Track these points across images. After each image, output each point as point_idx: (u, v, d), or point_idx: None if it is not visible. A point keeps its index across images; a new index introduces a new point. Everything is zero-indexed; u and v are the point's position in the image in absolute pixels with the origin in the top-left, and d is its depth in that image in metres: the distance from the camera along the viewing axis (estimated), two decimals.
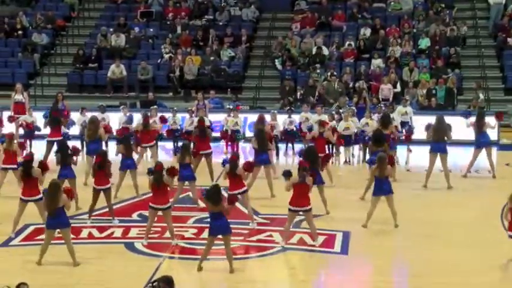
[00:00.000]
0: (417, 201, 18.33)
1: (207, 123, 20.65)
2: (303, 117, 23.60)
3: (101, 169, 15.92)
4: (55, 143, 20.11)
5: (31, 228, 15.53)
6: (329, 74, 28.08)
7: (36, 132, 23.05)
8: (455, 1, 33.14)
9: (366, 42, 30.41)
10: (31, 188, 15.06)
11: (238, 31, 31.64)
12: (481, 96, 27.11)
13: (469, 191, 19.37)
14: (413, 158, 23.05)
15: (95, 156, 16.89)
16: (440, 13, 31.66)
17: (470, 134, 20.94)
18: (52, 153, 19.25)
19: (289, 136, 23.62)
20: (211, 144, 20.18)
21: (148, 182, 14.81)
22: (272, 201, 17.82)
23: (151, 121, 21.19)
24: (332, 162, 21.33)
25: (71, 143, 18.53)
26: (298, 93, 28.02)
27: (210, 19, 32.51)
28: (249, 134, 24.11)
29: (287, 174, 14.73)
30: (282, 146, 23.77)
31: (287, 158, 23.54)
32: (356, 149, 23.20)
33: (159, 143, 22.73)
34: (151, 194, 14.91)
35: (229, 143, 23.61)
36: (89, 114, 21.93)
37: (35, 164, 15.35)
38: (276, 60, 30.35)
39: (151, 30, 32.14)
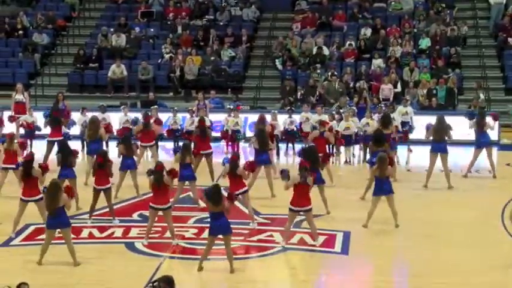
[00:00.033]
0: (418, 201, 18.34)
1: (208, 123, 20.66)
2: (304, 117, 23.61)
3: (101, 169, 15.92)
4: (56, 143, 20.13)
5: (31, 228, 15.54)
6: (330, 74, 28.08)
7: (37, 132, 23.05)
8: (456, 1, 33.13)
9: (366, 42, 30.41)
10: (31, 188, 15.07)
11: (238, 31, 31.64)
12: (482, 96, 27.11)
13: (470, 191, 19.38)
14: (413, 158, 23.04)
15: (95, 156, 16.89)
16: (441, 13, 31.67)
17: (470, 134, 20.94)
18: (53, 153, 19.26)
19: (290, 136, 23.61)
20: (212, 144, 20.21)
21: (148, 182, 14.81)
22: (272, 201, 17.83)
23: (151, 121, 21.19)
24: (332, 162, 21.34)
25: (71, 143, 18.56)
26: (299, 93, 28.02)
27: (210, 19, 32.51)
28: (249, 134, 24.10)
29: (284, 173, 14.76)
30: (282, 146, 23.77)
31: (287, 158, 23.53)
32: (356, 149, 23.20)
33: (160, 143, 22.76)
34: (151, 194, 14.92)
35: (230, 143, 23.61)
36: (89, 114, 21.91)
37: (35, 164, 15.35)
38: (277, 60, 30.36)
39: (152, 30, 32.14)
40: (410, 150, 23.39)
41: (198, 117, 21.27)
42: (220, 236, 13.31)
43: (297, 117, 23.79)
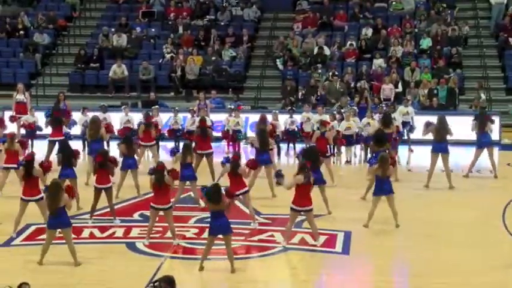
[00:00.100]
0: (418, 201, 18.34)
1: (209, 123, 20.65)
2: (305, 117, 23.61)
3: (102, 168, 15.93)
4: (57, 143, 20.16)
5: (32, 228, 15.54)
6: (330, 74, 28.10)
7: (38, 132, 23.07)
8: (457, 1, 33.13)
9: (367, 42, 30.42)
10: (32, 187, 15.08)
11: (239, 31, 31.65)
12: (483, 96, 27.11)
13: (471, 191, 19.37)
14: (414, 158, 23.05)
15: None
16: (442, 13, 31.68)
17: (471, 134, 20.93)
18: (54, 153, 19.26)
19: (291, 136, 23.61)
20: (213, 144, 20.21)
21: (149, 182, 14.81)
22: (273, 201, 17.82)
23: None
24: (333, 162, 21.33)
25: (72, 143, 18.57)
26: (300, 93, 28.03)
27: (211, 19, 32.52)
28: (250, 134, 24.10)
29: (279, 175, 14.77)
30: (283, 146, 23.77)
31: (288, 157, 23.53)
32: (357, 149, 23.21)
33: (160, 143, 22.78)
34: (152, 194, 14.92)
35: (231, 143, 23.61)
36: (90, 114, 21.94)
37: (36, 164, 15.35)
38: (278, 60, 30.36)
39: (153, 30, 32.15)
40: (411, 150, 23.40)
41: (199, 117, 21.27)
42: (221, 236, 13.32)
43: (298, 117, 23.79)
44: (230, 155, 16.80)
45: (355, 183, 19.45)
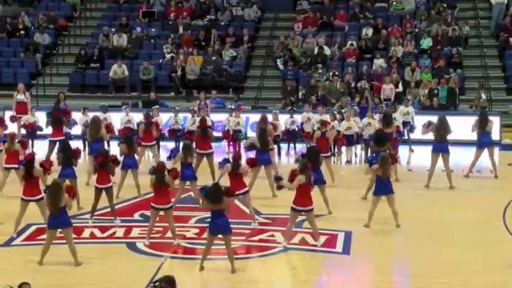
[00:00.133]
0: (419, 201, 18.34)
1: (209, 123, 20.65)
2: (305, 117, 23.61)
3: (102, 168, 15.93)
4: (57, 143, 20.16)
5: (33, 228, 15.54)
6: (331, 74, 28.11)
7: (39, 132, 23.07)
8: (457, 1, 33.13)
9: (367, 42, 30.42)
10: (32, 187, 15.08)
11: (240, 31, 31.65)
12: (483, 96, 27.12)
13: (471, 191, 19.37)
14: (414, 158, 23.05)
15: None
16: (442, 13, 31.68)
17: (472, 134, 20.93)
18: (54, 153, 19.27)
19: (291, 136, 23.60)
20: (213, 144, 20.21)
21: (150, 182, 14.81)
22: (274, 201, 17.82)
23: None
24: (334, 162, 21.33)
25: (73, 143, 18.56)
26: (300, 93, 28.03)
27: (212, 19, 32.52)
28: (250, 134, 24.10)
29: (278, 179, 14.76)
30: (283, 146, 23.77)
31: (288, 157, 23.53)
32: (358, 149, 23.21)
33: (161, 143, 22.79)
34: (153, 194, 14.92)
35: (231, 143, 23.61)
36: (91, 114, 21.94)
37: (37, 164, 15.35)
38: (278, 60, 30.37)
39: (153, 30, 32.16)
40: (411, 150, 23.39)
41: (200, 117, 21.27)
42: (220, 236, 13.32)
43: (298, 117, 23.78)
44: (229, 156, 16.80)
45: (355, 183, 19.44)
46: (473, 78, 28.96)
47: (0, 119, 21.48)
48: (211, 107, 25.71)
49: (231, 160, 15.92)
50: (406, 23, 31.27)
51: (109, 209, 16.21)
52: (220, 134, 23.64)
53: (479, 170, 20.86)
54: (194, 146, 19.07)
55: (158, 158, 20.30)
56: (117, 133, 21.62)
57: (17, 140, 18.48)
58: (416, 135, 23.11)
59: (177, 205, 16.33)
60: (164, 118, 23.72)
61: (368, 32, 31.05)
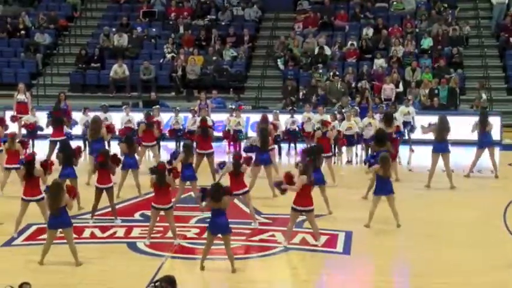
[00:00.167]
0: (419, 201, 18.34)
1: (210, 123, 20.65)
2: (306, 117, 23.60)
3: (103, 168, 15.94)
4: (58, 143, 20.17)
5: (33, 228, 15.54)
6: (331, 74, 28.11)
7: (39, 132, 23.08)
8: (458, 1, 33.13)
9: (368, 42, 30.41)
10: (33, 187, 15.08)
11: (240, 31, 31.65)
12: (484, 96, 27.11)
13: (472, 191, 19.37)
14: (415, 158, 23.04)
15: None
16: (443, 13, 31.67)
17: (472, 134, 20.92)
18: (55, 153, 19.29)
19: (292, 136, 23.60)
20: (214, 144, 20.21)
21: (150, 182, 14.81)
22: (274, 201, 17.81)
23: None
24: (334, 162, 21.33)
25: (73, 143, 18.57)
26: (301, 93, 28.03)
27: (212, 19, 32.53)
28: (251, 133, 24.10)
29: (279, 185, 14.74)
30: (284, 146, 23.76)
31: (289, 157, 23.53)
32: (359, 149, 23.21)
33: (161, 143, 22.79)
34: (153, 194, 14.92)
35: (232, 143, 23.61)
36: (91, 114, 21.96)
37: (37, 165, 15.35)
38: (278, 60, 30.36)
39: (154, 30, 32.15)
40: (412, 150, 23.39)
41: (200, 117, 21.29)
42: (220, 236, 13.31)
43: (298, 117, 23.78)
44: (227, 158, 16.81)
45: (356, 183, 19.44)
46: (473, 78, 28.95)
47: (1, 119, 21.48)
48: (212, 107, 25.71)
49: (227, 163, 15.90)
50: (406, 23, 31.27)
51: (109, 209, 16.21)
52: (220, 134, 23.63)
53: (480, 170, 20.86)
54: (195, 146, 19.09)
55: (159, 158, 20.30)
56: (117, 133, 21.62)
57: (17, 140, 18.49)
58: (417, 135, 23.10)
59: (177, 205, 16.33)
60: (165, 118, 23.74)
61: (368, 32, 31.04)
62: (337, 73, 28.12)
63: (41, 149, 21.29)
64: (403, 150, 22.38)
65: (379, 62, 29.11)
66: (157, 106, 24.04)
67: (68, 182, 15.98)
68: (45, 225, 14.00)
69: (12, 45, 32.13)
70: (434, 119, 20.07)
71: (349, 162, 22.73)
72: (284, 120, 23.55)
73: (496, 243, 14.78)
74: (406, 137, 23.34)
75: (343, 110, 23.71)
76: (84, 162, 20.13)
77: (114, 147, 20.44)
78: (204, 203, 13.42)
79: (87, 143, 21.61)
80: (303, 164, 14.75)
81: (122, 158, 17.93)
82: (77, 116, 22.98)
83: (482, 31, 31.55)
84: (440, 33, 30.25)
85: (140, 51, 31.25)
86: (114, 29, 31.76)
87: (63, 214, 13.44)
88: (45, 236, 13.88)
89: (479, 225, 16.27)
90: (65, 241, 13.62)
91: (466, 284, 13.00)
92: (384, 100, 26.77)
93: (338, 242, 15.01)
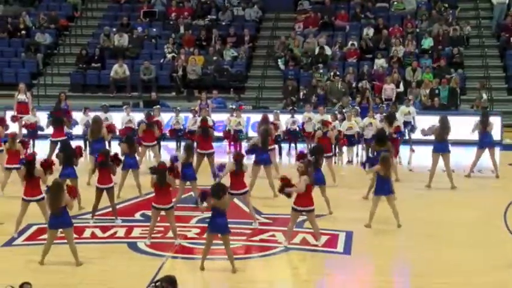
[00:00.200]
0: (420, 201, 18.34)
1: (210, 123, 20.65)
2: (306, 117, 23.59)
3: (104, 168, 15.93)
4: (59, 143, 20.17)
5: (34, 228, 15.55)
6: (332, 74, 28.11)
7: (40, 132, 23.08)
8: (459, 1, 33.14)
9: (368, 42, 30.41)
10: (33, 187, 15.08)
11: (241, 31, 31.65)
12: (484, 96, 27.11)
13: (472, 191, 19.37)
14: (416, 158, 23.03)
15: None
16: (444, 13, 31.68)
17: (472, 134, 20.92)
18: (55, 153, 19.29)
19: (292, 136, 23.60)
20: (214, 144, 20.21)
21: (150, 182, 14.80)
22: (274, 201, 17.79)
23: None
24: (335, 162, 21.33)
25: (74, 143, 18.56)
26: (301, 93, 28.03)
27: (213, 19, 32.53)
28: (252, 133, 24.10)
29: (283, 190, 14.70)
30: (284, 146, 23.76)
31: (290, 157, 23.53)
32: (359, 149, 23.21)
33: (162, 143, 22.79)
34: (154, 194, 14.92)
35: (232, 143, 23.61)
36: (92, 114, 21.96)
37: (37, 165, 15.35)
38: (279, 60, 30.37)
39: (154, 30, 32.16)
40: (412, 150, 23.38)
41: (201, 117, 21.29)
42: (219, 236, 13.30)
43: (299, 117, 23.77)
44: (228, 158, 16.82)
45: (356, 183, 19.44)
46: (474, 78, 28.95)
47: (1, 119, 21.47)
48: (213, 107, 25.71)
49: (225, 166, 15.91)
50: (407, 23, 31.26)
51: (110, 209, 16.21)
52: (221, 134, 23.64)
53: (481, 170, 20.87)
54: (195, 145, 19.09)
55: (159, 158, 20.29)
56: (118, 133, 21.62)
57: (18, 140, 18.48)
58: (418, 135, 23.09)
59: (178, 205, 16.32)
60: (165, 118, 23.75)
61: (369, 32, 31.04)
62: (338, 73, 28.13)
63: (41, 149, 21.29)
64: (403, 150, 22.38)
65: (380, 62, 29.11)
66: (158, 106, 24.06)
67: (68, 182, 15.97)
68: (46, 225, 14.01)
69: (13, 45, 32.14)
70: (435, 119, 20.07)
71: (349, 162, 22.73)
72: (285, 120, 23.55)
73: (497, 243, 14.78)
74: (407, 137, 23.33)
75: (344, 110, 23.72)
76: (85, 162, 20.12)
77: (115, 147, 20.44)
78: (204, 204, 13.41)
79: (87, 143, 21.60)
80: (304, 164, 14.75)
81: (123, 158, 17.95)
82: (77, 116, 22.98)
83: (482, 31, 31.55)
84: (441, 33, 30.26)
85: (141, 51, 31.26)
86: (114, 29, 31.77)
87: (64, 214, 13.44)
88: (45, 236, 13.88)
89: (480, 225, 16.28)
90: (66, 241, 13.61)
91: (466, 284, 13.00)
92: (385, 100, 26.78)
93: (338, 242, 15.01)
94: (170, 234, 14.86)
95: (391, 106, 24.24)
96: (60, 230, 13.61)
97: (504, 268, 13.65)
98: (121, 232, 15.55)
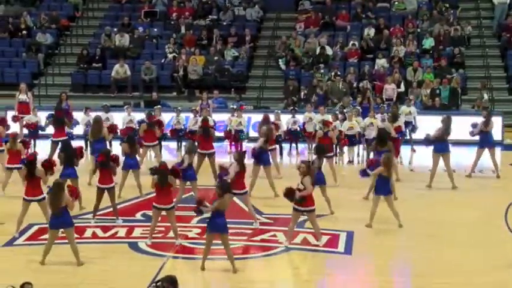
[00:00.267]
0: (420, 201, 18.34)
1: (211, 123, 20.65)
2: (307, 117, 23.60)
3: (105, 168, 15.94)
4: (60, 143, 20.18)
5: (35, 227, 15.55)
6: (333, 74, 28.12)
7: (41, 132, 23.08)
8: (460, 1, 33.15)
9: (369, 42, 30.41)
10: (34, 187, 15.08)
11: (242, 31, 31.65)
12: (485, 96, 27.10)
13: (473, 191, 19.37)
14: (416, 158, 23.02)
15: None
16: (445, 13, 31.68)
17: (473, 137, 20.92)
18: (57, 153, 19.29)
19: (293, 136, 23.61)
20: (215, 144, 20.20)
21: (151, 182, 14.81)
22: (275, 201, 17.81)
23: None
24: (336, 162, 21.33)
25: (75, 143, 18.56)
26: (302, 93, 28.03)
27: (214, 19, 32.53)
28: (252, 133, 24.10)
29: (291, 196, 14.64)
30: (285, 146, 23.76)
31: (291, 157, 23.53)
32: (360, 149, 23.21)
33: (163, 143, 22.79)
34: (154, 194, 14.92)
35: (233, 143, 23.61)
36: (93, 114, 21.96)
37: (38, 165, 15.36)
38: (280, 60, 30.37)
39: (155, 30, 32.16)
40: (413, 150, 23.38)
41: (202, 117, 21.28)
42: (219, 235, 13.31)
43: (300, 117, 23.78)
44: (229, 158, 16.81)
45: (357, 183, 19.41)
46: (475, 78, 28.95)
47: (3, 119, 21.48)
48: (213, 106, 25.71)
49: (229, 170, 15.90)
50: (408, 23, 31.26)
51: (111, 209, 16.22)
52: (222, 134, 23.64)
53: (481, 170, 20.86)
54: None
55: (160, 157, 20.30)
56: (119, 133, 21.62)
57: (19, 140, 18.49)
58: (419, 135, 23.09)
59: (178, 205, 16.31)
60: (166, 118, 23.72)
61: (370, 32, 31.04)
62: (339, 73, 28.15)
63: (42, 149, 21.29)
64: (404, 150, 22.38)
65: (381, 62, 29.11)
66: (159, 106, 24.06)
67: (68, 182, 15.98)
68: (47, 225, 14.01)
69: (14, 45, 32.14)
70: (436, 119, 20.05)
71: (350, 162, 22.73)
72: (285, 120, 23.55)
73: (498, 243, 14.78)
74: (408, 137, 23.34)
75: (345, 110, 23.71)
76: (86, 162, 20.12)
77: (116, 147, 20.45)
78: (205, 209, 13.37)
79: (88, 143, 21.60)
80: (305, 165, 14.74)
81: (123, 158, 17.96)
82: (78, 116, 23.00)
83: (483, 31, 31.55)
84: (442, 33, 30.25)
85: (142, 51, 31.27)
86: (115, 29, 31.78)
87: (65, 214, 13.44)
88: (46, 236, 13.88)
89: (481, 225, 16.28)
90: (67, 241, 13.62)
91: (467, 284, 13.00)
92: (386, 100, 26.79)
93: (339, 242, 15.01)
94: (171, 234, 14.85)
95: (392, 106, 24.23)
96: (61, 230, 13.61)
97: (505, 268, 13.65)
98: (122, 232, 15.55)
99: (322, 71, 28.78)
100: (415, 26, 31.27)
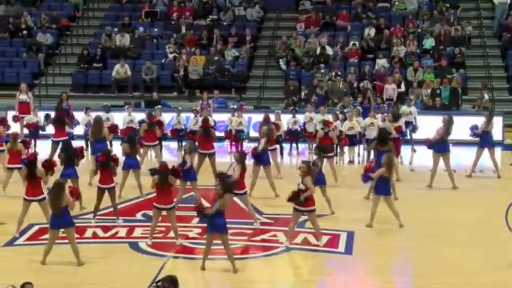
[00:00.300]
0: (421, 200, 18.34)
1: (212, 123, 20.65)
2: (307, 117, 23.61)
3: (105, 168, 15.94)
4: (60, 143, 20.18)
5: (35, 227, 15.55)
6: (333, 74, 28.12)
7: (41, 132, 23.09)
8: (460, 1, 33.14)
9: (370, 42, 30.41)
10: (34, 187, 15.09)
11: (242, 31, 31.66)
12: (486, 96, 27.10)
13: (473, 191, 19.37)
14: (417, 158, 23.02)
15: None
16: (445, 13, 31.68)
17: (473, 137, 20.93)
18: (57, 153, 19.30)
19: (293, 136, 23.61)
20: (216, 144, 20.20)
21: (151, 182, 14.81)
22: (276, 201, 17.82)
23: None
24: (336, 162, 21.33)
25: (75, 143, 18.56)
26: (303, 93, 28.03)
27: (214, 19, 32.54)
28: (253, 134, 24.10)
29: (296, 199, 14.62)
30: (286, 146, 23.76)
31: (291, 157, 23.54)
32: (361, 149, 23.21)
33: (163, 143, 22.79)
34: (155, 194, 14.93)
35: (234, 143, 23.61)
36: (93, 114, 21.97)
37: (39, 165, 15.36)
38: (280, 60, 30.37)
39: (156, 30, 32.17)
40: (414, 150, 23.38)
41: (202, 117, 21.29)
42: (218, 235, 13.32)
43: (300, 117, 23.78)
44: (229, 158, 16.80)
45: (358, 183, 19.31)
46: (475, 78, 28.95)
47: (3, 119, 21.48)
48: (214, 106, 25.72)
49: (232, 172, 15.90)
50: (408, 23, 31.26)
51: (111, 209, 16.22)
52: (222, 134, 23.64)
53: (482, 170, 20.86)
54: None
55: (161, 157, 20.31)
56: (119, 133, 21.62)
57: (19, 140, 18.49)
58: (419, 135, 23.10)
59: (179, 205, 16.31)
60: (167, 118, 23.73)
61: (370, 32, 31.04)
62: (339, 73, 28.15)
63: (43, 149, 21.30)
64: (405, 150, 22.38)
65: (381, 62, 29.11)
66: (159, 106, 24.06)
67: (69, 182, 15.99)
68: (47, 225, 14.02)
69: (14, 45, 32.15)
70: (436, 119, 20.04)
71: (351, 162, 22.74)
72: (286, 120, 23.55)
73: (498, 243, 14.78)
74: (408, 137, 23.34)
75: (345, 110, 23.71)
76: (86, 162, 20.12)
77: (116, 148, 20.45)
78: (207, 212, 13.37)
79: (89, 143, 21.61)
80: (306, 165, 14.74)
81: (124, 158, 17.97)
82: (79, 116, 23.01)
83: (484, 31, 31.55)
84: (442, 33, 30.25)
85: (142, 51, 31.27)
86: (116, 29, 31.78)
87: (65, 214, 13.45)
88: (47, 236, 13.89)
89: (481, 225, 16.28)
90: (67, 241, 13.63)
91: (467, 284, 13.00)
92: (386, 100, 26.79)
93: (340, 242, 15.02)
94: (171, 234, 14.86)
95: (393, 106, 24.24)
96: (62, 230, 13.62)
97: (505, 268, 13.66)
98: (122, 232, 15.56)
99: (322, 71, 28.78)
100: (416, 26, 31.28)
